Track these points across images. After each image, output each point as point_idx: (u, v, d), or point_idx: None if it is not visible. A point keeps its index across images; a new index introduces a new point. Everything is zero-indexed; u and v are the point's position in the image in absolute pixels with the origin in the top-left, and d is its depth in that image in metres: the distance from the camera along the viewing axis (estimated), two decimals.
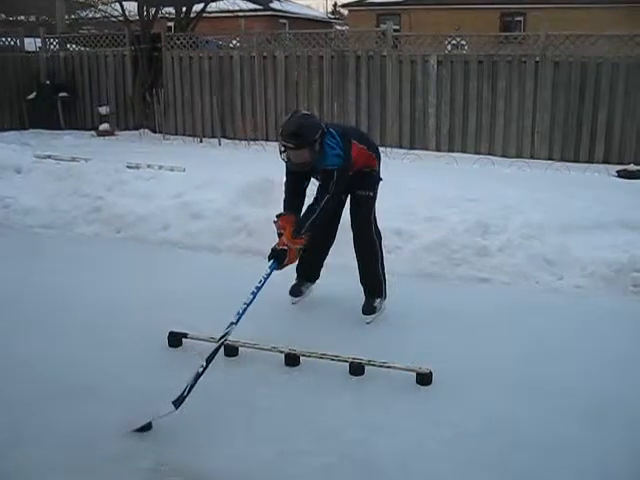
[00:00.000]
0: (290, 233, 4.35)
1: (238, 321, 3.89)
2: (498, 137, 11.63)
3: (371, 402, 3.68)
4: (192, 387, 3.52)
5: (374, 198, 4.75)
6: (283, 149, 4.35)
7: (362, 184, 4.70)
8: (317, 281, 5.10)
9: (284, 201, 4.64)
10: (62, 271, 5.76)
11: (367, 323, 4.68)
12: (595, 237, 6.00)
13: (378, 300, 4.81)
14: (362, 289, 4.84)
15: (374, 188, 4.75)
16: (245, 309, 3.94)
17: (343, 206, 4.86)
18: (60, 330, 4.55)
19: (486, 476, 3.08)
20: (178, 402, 3.43)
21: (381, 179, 4.82)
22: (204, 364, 3.63)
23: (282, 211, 4.58)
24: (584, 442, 3.31)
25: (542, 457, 3.20)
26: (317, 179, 4.57)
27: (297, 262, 4.85)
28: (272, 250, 4.34)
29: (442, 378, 3.85)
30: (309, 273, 5.05)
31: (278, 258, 4.30)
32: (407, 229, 6.16)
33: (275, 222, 4.56)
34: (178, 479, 3.05)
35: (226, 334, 3.84)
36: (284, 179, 4.69)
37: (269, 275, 4.19)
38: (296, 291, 5.00)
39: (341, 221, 4.95)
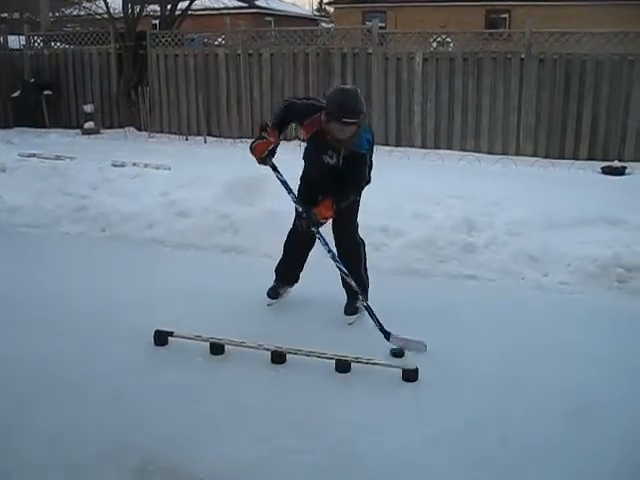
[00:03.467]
0: (330, 205, 4.40)
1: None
2: (484, 134, 11.66)
3: (357, 399, 3.68)
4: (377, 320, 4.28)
5: (359, 201, 4.69)
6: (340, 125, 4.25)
7: None
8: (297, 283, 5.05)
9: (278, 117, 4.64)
10: (47, 270, 5.74)
11: (349, 324, 4.65)
12: (580, 233, 6.02)
13: (359, 302, 4.76)
14: (344, 291, 4.80)
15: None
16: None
17: None
18: (45, 329, 4.52)
19: (471, 474, 3.09)
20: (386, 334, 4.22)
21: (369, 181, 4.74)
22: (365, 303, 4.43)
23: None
24: (568, 441, 3.32)
25: (526, 455, 3.21)
26: (333, 159, 4.49)
27: (277, 265, 4.95)
28: (310, 217, 4.45)
29: (428, 375, 3.86)
30: (289, 277, 5.00)
31: (316, 222, 4.47)
32: (393, 226, 6.18)
33: (266, 130, 4.55)
34: (164, 478, 3.04)
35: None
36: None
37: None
38: (274, 293, 4.94)
39: None
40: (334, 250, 4.60)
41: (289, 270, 4.97)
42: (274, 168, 4.63)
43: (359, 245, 4.79)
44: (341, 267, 4.54)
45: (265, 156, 4.55)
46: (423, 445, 3.27)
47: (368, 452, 3.22)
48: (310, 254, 4.94)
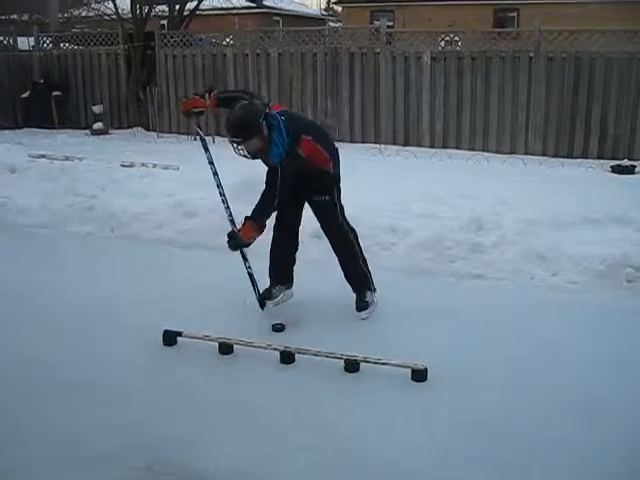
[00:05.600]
0: (251, 226, 4.49)
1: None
2: (492, 133, 11.63)
3: (366, 399, 3.69)
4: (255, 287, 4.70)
5: (332, 201, 4.67)
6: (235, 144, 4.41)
7: (317, 188, 4.63)
8: (294, 285, 4.99)
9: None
10: (56, 270, 5.75)
11: (362, 319, 4.66)
12: (589, 233, 6.01)
13: (369, 294, 4.78)
14: (350, 287, 4.82)
15: (330, 191, 4.66)
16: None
17: (297, 214, 4.82)
18: (54, 328, 4.54)
19: (476, 473, 3.08)
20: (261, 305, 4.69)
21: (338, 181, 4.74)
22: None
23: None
24: (575, 440, 3.30)
25: (533, 454, 3.21)
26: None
27: (268, 271, 4.92)
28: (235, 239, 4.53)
29: (437, 374, 3.85)
30: (281, 278, 4.95)
31: (242, 244, 4.56)
32: (401, 226, 6.17)
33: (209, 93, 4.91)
34: (171, 477, 3.05)
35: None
36: None
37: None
38: (268, 294, 4.89)
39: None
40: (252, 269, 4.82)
41: (278, 270, 4.94)
42: (200, 128, 5.06)
43: (349, 240, 4.79)
44: (254, 279, 4.81)
45: (190, 112, 4.91)
46: (429, 445, 3.27)
47: (374, 452, 3.22)
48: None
